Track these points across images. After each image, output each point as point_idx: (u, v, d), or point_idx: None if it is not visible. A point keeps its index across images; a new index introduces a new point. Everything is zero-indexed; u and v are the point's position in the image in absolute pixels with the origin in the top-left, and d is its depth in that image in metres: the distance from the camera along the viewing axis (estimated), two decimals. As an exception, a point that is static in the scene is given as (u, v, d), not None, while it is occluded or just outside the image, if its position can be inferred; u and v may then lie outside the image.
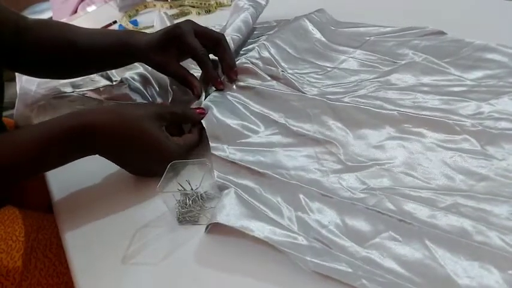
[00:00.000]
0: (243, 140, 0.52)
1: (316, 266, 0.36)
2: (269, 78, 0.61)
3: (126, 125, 0.48)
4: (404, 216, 0.39)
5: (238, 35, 0.70)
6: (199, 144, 0.53)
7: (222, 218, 0.41)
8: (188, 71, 0.58)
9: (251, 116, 0.55)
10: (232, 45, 0.65)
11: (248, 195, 0.44)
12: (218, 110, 0.54)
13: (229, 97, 0.58)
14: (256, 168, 0.47)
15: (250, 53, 0.64)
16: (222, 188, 0.46)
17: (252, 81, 0.60)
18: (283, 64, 0.64)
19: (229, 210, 0.42)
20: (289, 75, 0.61)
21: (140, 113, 0.49)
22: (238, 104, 0.57)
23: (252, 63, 0.62)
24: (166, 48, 0.58)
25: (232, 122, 0.53)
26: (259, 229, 0.39)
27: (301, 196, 0.43)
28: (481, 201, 0.39)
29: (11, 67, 0.68)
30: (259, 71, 0.61)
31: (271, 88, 0.59)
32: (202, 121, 0.52)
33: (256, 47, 0.65)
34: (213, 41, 0.60)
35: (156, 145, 0.48)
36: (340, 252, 0.37)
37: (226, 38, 0.63)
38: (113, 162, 0.50)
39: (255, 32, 0.82)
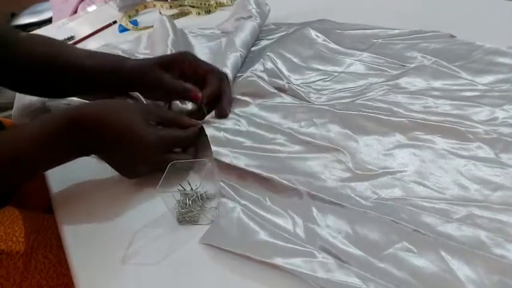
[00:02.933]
0: (247, 145, 0.51)
1: (327, 282, 0.35)
2: (275, 91, 0.60)
3: (106, 115, 0.48)
4: (419, 226, 0.38)
5: (244, 51, 0.70)
6: (189, 145, 0.52)
7: (228, 245, 0.40)
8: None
9: (256, 130, 0.54)
10: (239, 62, 0.66)
11: (255, 206, 0.44)
12: (220, 127, 0.53)
13: (233, 114, 0.57)
14: (261, 173, 0.46)
15: (256, 66, 0.64)
16: (224, 195, 0.46)
17: (257, 98, 0.60)
18: (288, 75, 0.63)
19: (235, 234, 0.41)
20: (295, 86, 0.60)
21: (124, 105, 0.50)
22: (242, 119, 0.56)
23: (258, 76, 0.61)
24: (167, 68, 0.56)
25: (236, 137, 0.52)
26: (266, 248, 0.39)
27: (310, 206, 0.42)
28: (497, 211, 0.38)
29: None
30: (264, 85, 0.60)
31: (277, 102, 0.58)
32: (205, 129, 0.52)
33: (261, 60, 0.64)
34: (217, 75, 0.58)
35: (129, 129, 0.47)
36: (352, 263, 0.36)
37: (236, 54, 0.65)
38: (107, 162, 0.50)
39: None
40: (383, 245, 0.38)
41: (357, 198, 0.42)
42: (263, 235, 0.40)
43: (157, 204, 0.46)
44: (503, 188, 0.40)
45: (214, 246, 0.41)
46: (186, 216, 0.44)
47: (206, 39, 0.84)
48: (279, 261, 0.37)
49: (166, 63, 0.57)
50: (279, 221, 0.42)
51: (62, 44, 0.65)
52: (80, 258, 0.44)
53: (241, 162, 0.48)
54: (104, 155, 0.50)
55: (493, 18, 0.70)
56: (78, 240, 0.46)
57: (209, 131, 0.52)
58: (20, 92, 0.69)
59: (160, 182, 0.43)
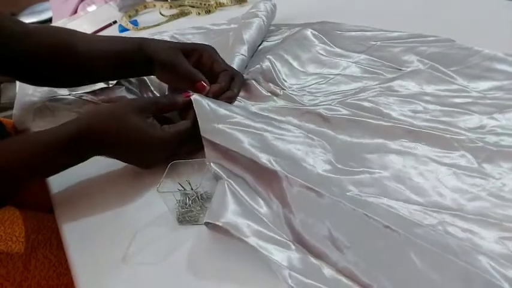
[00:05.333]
0: (233, 120, 0.50)
1: (298, 283, 0.35)
2: (268, 94, 0.60)
3: (110, 126, 0.48)
4: (391, 222, 0.38)
5: (250, 52, 0.70)
6: (193, 131, 0.52)
7: (215, 218, 0.40)
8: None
9: (245, 111, 0.55)
10: (245, 64, 0.67)
11: (240, 188, 0.44)
12: (209, 100, 0.53)
13: None
14: (244, 152, 0.45)
15: (253, 68, 0.64)
16: (216, 176, 0.46)
17: (250, 100, 0.60)
18: (284, 79, 0.63)
19: (223, 208, 0.41)
20: (290, 91, 0.60)
21: (121, 110, 0.49)
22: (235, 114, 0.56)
23: (253, 78, 0.62)
24: (188, 54, 0.58)
25: (224, 109, 0.52)
26: (246, 228, 0.39)
27: (287, 191, 0.42)
28: (469, 221, 0.38)
29: (8, 74, 0.65)
30: (259, 87, 0.61)
31: (269, 106, 0.58)
32: (193, 101, 0.51)
33: (260, 62, 0.64)
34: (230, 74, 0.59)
35: (140, 136, 0.48)
36: (322, 257, 0.37)
37: (241, 57, 0.65)
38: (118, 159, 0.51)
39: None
40: (353, 240, 0.37)
41: (333, 188, 0.42)
42: (245, 216, 0.41)
43: (157, 204, 0.46)
44: (479, 199, 0.40)
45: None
46: (186, 216, 0.44)
47: (216, 35, 0.84)
48: (253, 241, 0.38)
49: (188, 49, 0.58)
50: (260, 204, 0.42)
51: (72, 32, 0.65)
52: (80, 258, 0.44)
53: (225, 137, 0.48)
54: (113, 157, 0.51)
55: (496, 20, 0.69)
56: (78, 240, 0.46)
57: (196, 101, 0.51)
58: (32, 83, 0.69)
59: (160, 182, 0.43)
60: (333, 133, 0.51)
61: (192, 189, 0.45)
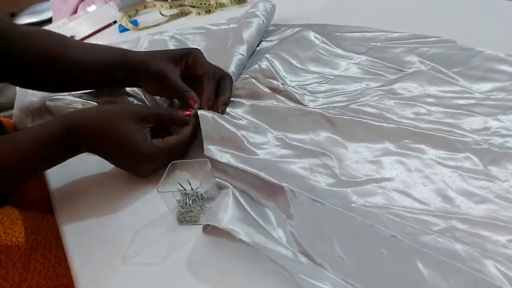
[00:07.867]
0: (237, 145, 0.50)
1: (301, 281, 0.35)
2: (269, 91, 0.60)
3: (102, 125, 0.48)
4: (396, 232, 0.37)
5: (249, 52, 0.70)
6: (189, 144, 0.52)
7: (216, 220, 0.40)
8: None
9: (249, 126, 0.54)
10: (244, 64, 0.66)
11: (243, 199, 0.44)
12: (215, 114, 0.53)
13: (226, 114, 0.57)
14: (247, 168, 0.45)
15: (253, 67, 0.63)
16: (221, 187, 0.46)
17: (250, 99, 0.60)
18: (284, 76, 0.62)
19: (224, 212, 0.41)
20: (290, 88, 0.59)
21: (119, 113, 0.49)
22: (235, 118, 0.56)
23: (253, 76, 0.61)
24: (176, 61, 0.57)
25: (229, 126, 0.52)
26: (249, 235, 0.39)
27: (290, 203, 0.42)
28: (477, 225, 0.37)
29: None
30: (259, 85, 0.60)
31: (270, 104, 0.58)
32: (199, 116, 0.51)
33: (258, 61, 0.64)
34: (220, 76, 0.59)
35: (127, 144, 0.47)
36: (326, 267, 0.37)
37: (240, 56, 0.65)
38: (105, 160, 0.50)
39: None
40: (358, 249, 0.37)
41: (337, 201, 0.42)
42: (248, 223, 0.40)
43: (157, 204, 0.46)
44: (487, 201, 0.39)
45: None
46: (186, 216, 0.44)
47: (215, 35, 0.84)
48: (254, 242, 0.38)
49: (176, 56, 0.58)
50: (264, 219, 0.42)
51: (62, 38, 0.64)
52: (80, 258, 0.44)
53: (228, 159, 0.48)
54: (102, 157, 0.50)
55: (497, 20, 0.69)
56: (78, 240, 0.46)
57: (202, 116, 0.51)
58: (23, 86, 0.69)
59: (160, 182, 0.43)
60: (336, 137, 0.50)
61: (192, 189, 0.45)
